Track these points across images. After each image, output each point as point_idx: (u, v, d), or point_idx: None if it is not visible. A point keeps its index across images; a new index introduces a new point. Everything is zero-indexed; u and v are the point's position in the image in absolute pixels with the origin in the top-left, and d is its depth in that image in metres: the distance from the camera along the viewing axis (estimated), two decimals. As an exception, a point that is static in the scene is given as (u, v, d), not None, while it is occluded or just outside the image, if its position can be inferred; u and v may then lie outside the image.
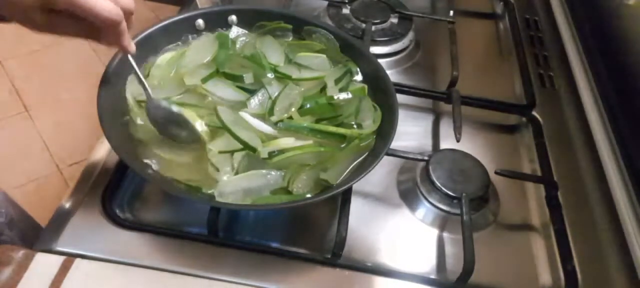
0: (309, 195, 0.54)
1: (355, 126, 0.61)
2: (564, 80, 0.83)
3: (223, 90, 0.62)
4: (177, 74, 0.63)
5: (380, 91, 0.64)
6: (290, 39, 0.71)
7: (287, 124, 0.60)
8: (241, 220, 0.59)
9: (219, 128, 0.58)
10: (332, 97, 0.63)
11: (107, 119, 0.54)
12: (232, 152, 0.56)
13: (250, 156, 0.56)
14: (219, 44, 0.67)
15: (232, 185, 0.54)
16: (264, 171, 0.55)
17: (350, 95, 0.64)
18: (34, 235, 0.55)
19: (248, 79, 0.63)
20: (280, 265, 0.54)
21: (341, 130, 0.60)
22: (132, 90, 0.60)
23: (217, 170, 0.54)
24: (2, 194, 0.74)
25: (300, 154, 0.57)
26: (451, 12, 0.88)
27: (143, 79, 0.56)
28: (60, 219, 0.55)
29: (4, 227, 0.72)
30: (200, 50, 0.66)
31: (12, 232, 0.73)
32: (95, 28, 0.46)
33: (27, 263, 0.50)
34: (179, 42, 0.67)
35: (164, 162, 0.55)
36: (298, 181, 0.54)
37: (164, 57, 0.65)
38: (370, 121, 0.62)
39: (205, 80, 0.62)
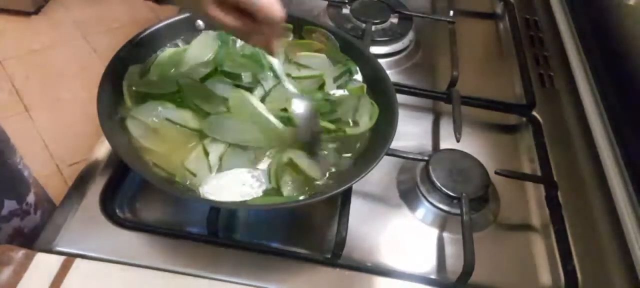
0: (302, 197, 0.54)
1: (351, 123, 0.61)
2: (564, 80, 0.83)
3: (222, 89, 0.62)
4: (177, 71, 0.63)
5: (380, 91, 0.64)
6: (291, 38, 0.71)
7: (280, 115, 0.60)
8: (241, 220, 0.59)
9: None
10: (327, 94, 0.63)
11: (106, 119, 0.54)
12: (206, 155, 0.56)
13: (233, 155, 0.56)
14: (220, 42, 0.67)
15: (215, 181, 0.53)
16: (247, 169, 0.55)
17: (346, 92, 0.64)
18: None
19: (246, 77, 0.63)
20: (280, 265, 0.54)
21: (334, 127, 0.59)
22: (130, 81, 0.60)
23: (194, 175, 0.54)
24: (30, 174, 0.74)
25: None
26: (451, 12, 0.88)
27: (287, 82, 0.59)
28: (60, 219, 0.55)
29: (31, 207, 0.73)
30: (201, 48, 0.66)
31: (35, 214, 0.74)
32: (251, 26, 0.50)
33: (27, 263, 0.50)
34: (180, 42, 0.67)
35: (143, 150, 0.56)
36: (286, 177, 0.54)
37: (165, 54, 0.65)
38: (367, 118, 0.61)
39: (204, 78, 0.62)
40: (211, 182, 0.54)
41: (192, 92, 0.60)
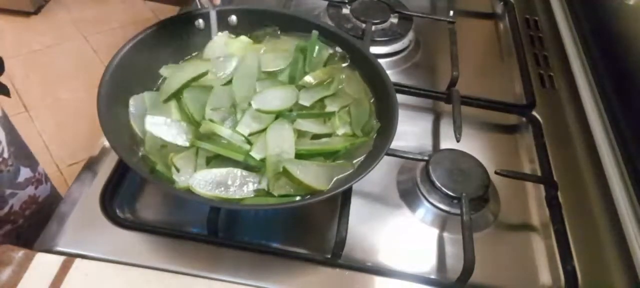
0: (298, 197, 0.54)
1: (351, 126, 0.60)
2: (564, 80, 0.83)
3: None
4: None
5: (380, 91, 0.64)
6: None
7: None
8: (241, 220, 0.59)
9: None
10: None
11: (106, 119, 0.54)
12: (196, 151, 0.55)
13: (224, 160, 0.55)
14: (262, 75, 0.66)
15: (202, 177, 0.53)
16: (239, 169, 0.55)
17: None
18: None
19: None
20: (280, 265, 0.54)
21: (327, 148, 0.58)
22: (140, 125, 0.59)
23: (178, 170, 0.54)
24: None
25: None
26: (451, 12, 0.88)
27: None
28: (60, 219, 0.55)
29: (42, 177, 0.76)
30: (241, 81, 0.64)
31: (46, 184, 0.76)
32: None
33: (27, 263, 0.50)
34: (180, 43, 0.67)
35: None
36: (280, 183, 0.54)
37: (185, 74, 0.63)
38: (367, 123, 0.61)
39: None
40: (200, 175, 0.53)
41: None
